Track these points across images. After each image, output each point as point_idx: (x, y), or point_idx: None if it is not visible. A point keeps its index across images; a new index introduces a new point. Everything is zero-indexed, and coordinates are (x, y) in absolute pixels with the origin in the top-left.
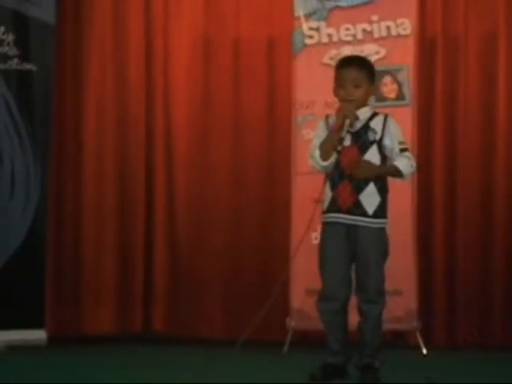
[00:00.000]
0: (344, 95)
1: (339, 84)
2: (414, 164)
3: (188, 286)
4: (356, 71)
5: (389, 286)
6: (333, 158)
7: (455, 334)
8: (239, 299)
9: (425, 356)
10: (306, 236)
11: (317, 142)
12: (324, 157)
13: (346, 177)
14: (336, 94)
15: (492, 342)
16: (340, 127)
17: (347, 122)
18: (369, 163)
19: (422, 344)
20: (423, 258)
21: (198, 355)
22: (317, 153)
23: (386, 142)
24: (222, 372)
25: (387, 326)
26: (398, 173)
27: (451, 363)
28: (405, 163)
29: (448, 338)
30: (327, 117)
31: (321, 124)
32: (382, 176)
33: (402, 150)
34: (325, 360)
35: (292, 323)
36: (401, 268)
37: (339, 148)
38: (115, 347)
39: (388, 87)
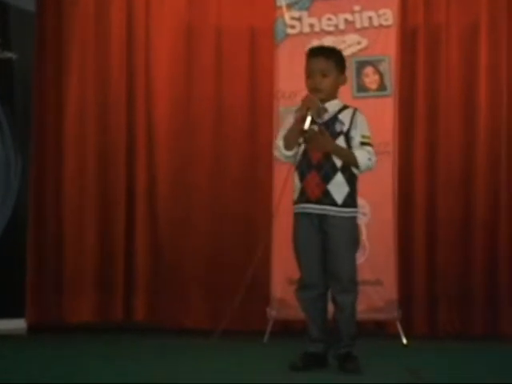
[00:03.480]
0: (312, 85)
1: (308, 74)
2: (374, 159)
3: (169, 276)
4: (323, 61)
5: (369, 275)
6: (300, 150)
7: (435, 324)
8: (221, 289)
9: (405, 345)
10: (283, 196)
11: (283, 133)
12: (287, 147)
13: (314, 167)
14: (306, 84)
15: (472, 331)
16: (303, 119)
17: (310, 113)
18: (329, 138)
19: (402, 334)
20: (404, 248)
21: (179, 345)
22: (281, 143)
23: (352, 133)
24: (203, 361)
25: (368, 315)
26: (354, 161)
27: (431, 353)
28: (363, 155)
29: (428, 327)
30: (296, 110)
31: (289, 120)
32: (337, 153)
33: (364, 144)
34: (305, 349)
35: (273, 312)
36: (381, 258)
37: (300, 141)
38: (96, 337)
39: (370, 78)
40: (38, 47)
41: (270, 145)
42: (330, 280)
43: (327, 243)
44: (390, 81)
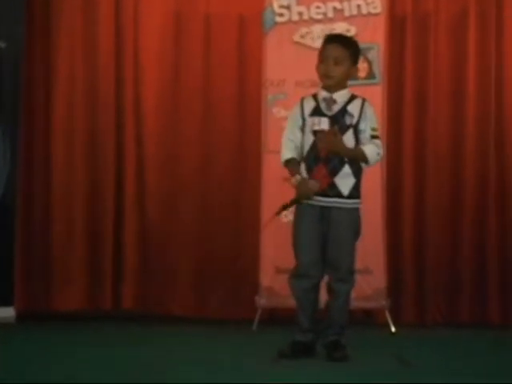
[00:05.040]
0: (323, 71)
1: (321, 59)
2: (381, 153)
3: (158, 264)
4: (339, 49)
5: (359, 264)
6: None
7: (424, 312)
8: (209, 277)
9: (393, 334)
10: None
11: (289, 133)
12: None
13: (322, 160)
14: (317, 69)
15: (460, 319)
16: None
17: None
18: (340, 140)
19: (390, 322)
20: (392, 237)
21: (167, 333)
22: (283, 152)
23: (362, 126)
24: (191, 349)
25: (357, 304)
26: (363, 158)
27: (419, 341)
28: (372, 150)
29: (416, 316)
30: (302, 100)
31: (295, 109)
32: (347, 155)
33: (373, 137)
34: (294, 337)
35: (261, 301)
36: (370, 247)
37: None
38: (85, 325)
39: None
40: (28, 35)
41: (258, 133)
42: (327, 268)
43: (329, 233)
44: (379, 69)
